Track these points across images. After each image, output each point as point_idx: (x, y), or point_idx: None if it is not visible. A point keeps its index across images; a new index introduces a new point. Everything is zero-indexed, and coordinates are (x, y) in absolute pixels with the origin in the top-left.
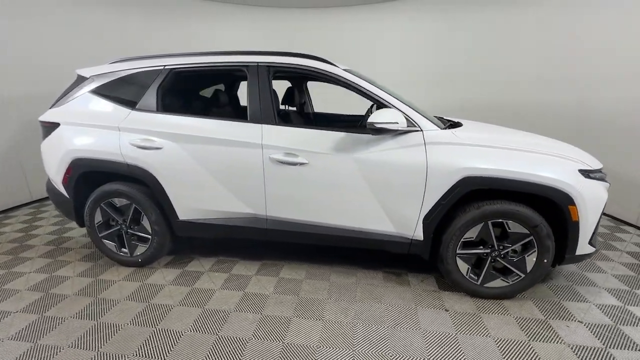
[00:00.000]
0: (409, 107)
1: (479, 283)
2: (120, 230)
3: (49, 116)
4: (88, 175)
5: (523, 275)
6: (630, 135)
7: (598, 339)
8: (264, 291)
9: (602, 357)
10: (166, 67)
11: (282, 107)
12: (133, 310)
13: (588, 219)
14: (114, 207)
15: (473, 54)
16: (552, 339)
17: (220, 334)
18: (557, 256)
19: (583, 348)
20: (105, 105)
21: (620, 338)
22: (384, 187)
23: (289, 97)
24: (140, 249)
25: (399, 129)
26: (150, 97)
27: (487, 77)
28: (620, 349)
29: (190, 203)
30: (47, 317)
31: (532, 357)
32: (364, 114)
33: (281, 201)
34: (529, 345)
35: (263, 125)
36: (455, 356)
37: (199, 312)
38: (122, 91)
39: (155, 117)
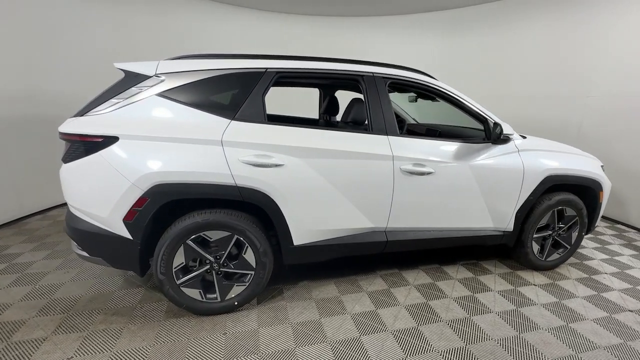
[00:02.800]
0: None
1: (544, 259)
2: (210, 271)
3: (87, 127)
4: (165, 207)
5: (569, 247)
6: None
7: (626, 283)
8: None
9: (637, 294)
10: (269, 70)
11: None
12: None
13: (605, 200)
14: (204, 242)
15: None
16: (608, 288)
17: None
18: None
19: (627, 290)
20: (189, 113)
21: (633, 279)
22: (491, 189)
23: (331, 107)
24: (236, 290)
25: (513, 138)
26: (255, 104)
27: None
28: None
29: (310, 225)
30: None
31: (611, 304)
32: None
33: (405, 211)
34: (602, 297)
35: (389, 136)
36: (574, 316)
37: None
38: (209, 96)
39: (266, 128)
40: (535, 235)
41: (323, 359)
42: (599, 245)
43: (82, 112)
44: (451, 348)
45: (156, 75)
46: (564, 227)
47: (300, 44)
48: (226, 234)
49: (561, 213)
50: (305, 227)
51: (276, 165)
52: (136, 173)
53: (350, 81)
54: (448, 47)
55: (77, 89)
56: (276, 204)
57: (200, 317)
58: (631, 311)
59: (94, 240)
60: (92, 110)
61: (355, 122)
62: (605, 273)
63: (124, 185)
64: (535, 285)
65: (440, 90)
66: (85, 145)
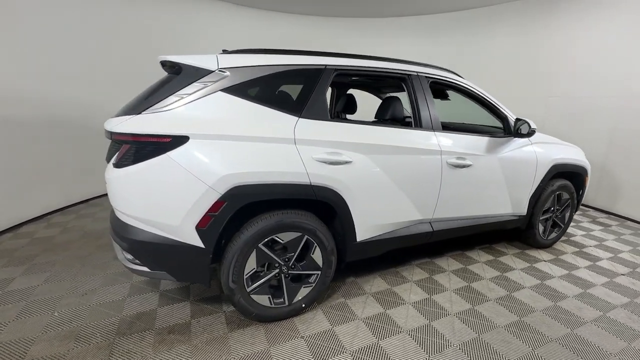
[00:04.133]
0: None
1: (546, 238)
2: (279, 275)
3: (150, 126)
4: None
5: (563, 226)
6: None
7: (608, 253)
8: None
9: (620, 261)
10: (328, 67)
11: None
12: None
13: (588, 183)
14: (275, 245)
15: None
16: (598, 258)
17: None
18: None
19: (611, 258)
20: (258, 110)
21: (611, 249)
22: (513, 178)
23: (348, 105)
24: (303, 292)
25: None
26: (319, 101)
27: None
28: (618, 254)
29: (373, 220)
30: None
31: (607, 271)
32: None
33: (448, 202)
34: (597, 265)
35: (435, 132)
36: (587, 284)
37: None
38: (274, 92)
39: (332, 125)
40: (541, 217)
41: (409, 348)
42: (574, 224)
43: (138, 110)
44: (510, 322)
45: (219, 70)
46: (560, 209)
47: (295, 44)
48: (297, 235)
49: (559, 197)
50: (369, 222)
51: (346, 162)
52: (214, 175)
53: (396, 80)
54: (426, 50)
55: (48, 89)
56: (345, 201)
57: (267, 324)
58: (623, 275)
59: (158, 252)
60: (151, 108)
61: (394, 119)
62: (590, 246)
63: (200, 189)
64: (545, 261)
65: (469, 89)
66: (149, 147)
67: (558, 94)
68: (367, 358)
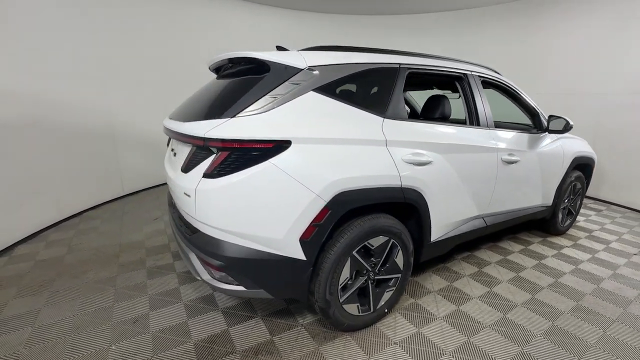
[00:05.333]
0: None
1: (563, 225)
2: (367, 282)
3: (249, 130)
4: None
5: (575, 214)
6: None
7: (613, 235)
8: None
9: (626, 241)
10: (402, 66)
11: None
12: None
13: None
14: (366, 251)
15: None
16: (608, 241)
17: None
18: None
19: (618, 240)
20: (348, 111)
21: (613, 231)
22: (546, 171)
23: None
24: (385, 296)
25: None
26: (398, 100)
27: None
28: (622, 236)
29: (444, 219)
30: None
31: (621, 252)
32: None
33: (499, 197)
34: (611, 247)
35: (491, 130)
36: (613, 265)
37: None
38: (359, 91)
39: (412, 125)
40: (561, 207)
41: (499, 342)
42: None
43: (231, 113)
44: (571, 307)
45: (309, 68)
46: (574, 198)
47: (280, 39)
48: (385, 239)
49: (574, 187)
50: (442, 221)
51: (428, 163)
52: (321, 182)
53: (453, 79)
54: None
55: (35, 87)
56: (426, 202)
57: (352, 333)
58: (635, 254)
59: (257, 269)
60: (246, 110)
61: (443, 117)
62: (596, 230)
63: (307, 197)
64: (568, 247)
65: (508, 86)
66: (250, 153)
67: (545, 91)
68: (468, 357)
